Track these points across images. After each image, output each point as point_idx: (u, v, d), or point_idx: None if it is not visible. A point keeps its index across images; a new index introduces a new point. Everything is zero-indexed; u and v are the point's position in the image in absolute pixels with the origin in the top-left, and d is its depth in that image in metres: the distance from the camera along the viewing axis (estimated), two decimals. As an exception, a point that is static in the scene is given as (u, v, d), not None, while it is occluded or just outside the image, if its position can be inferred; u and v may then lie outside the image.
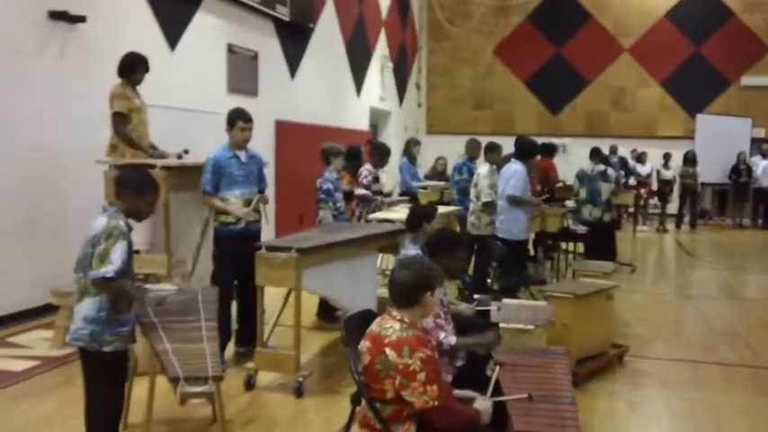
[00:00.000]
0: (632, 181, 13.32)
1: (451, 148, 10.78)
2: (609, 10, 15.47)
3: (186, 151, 5.43)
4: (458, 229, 7.38)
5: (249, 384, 4.31)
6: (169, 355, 2.94)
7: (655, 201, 14.22)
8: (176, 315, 3.23)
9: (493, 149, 7.20)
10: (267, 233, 8.03)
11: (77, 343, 2.84)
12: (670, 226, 13.83)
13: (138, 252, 5.26)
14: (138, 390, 3.54)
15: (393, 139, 14.37)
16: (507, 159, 6.82)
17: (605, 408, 4.21)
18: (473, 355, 3.39)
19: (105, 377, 2.84)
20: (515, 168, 6.30)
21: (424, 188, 8.99)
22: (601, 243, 8.07)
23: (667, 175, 13.77)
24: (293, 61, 10.40)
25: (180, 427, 3.77)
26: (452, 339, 3.22)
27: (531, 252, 8.64)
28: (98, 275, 2.71)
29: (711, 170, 14.37)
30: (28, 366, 4.59)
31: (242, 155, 4.80)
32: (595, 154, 8.71)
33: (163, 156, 5.30)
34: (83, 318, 2.81)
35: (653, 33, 15.25)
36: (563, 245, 8.66)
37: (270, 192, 9.43)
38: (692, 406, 4.29)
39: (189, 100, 7.65)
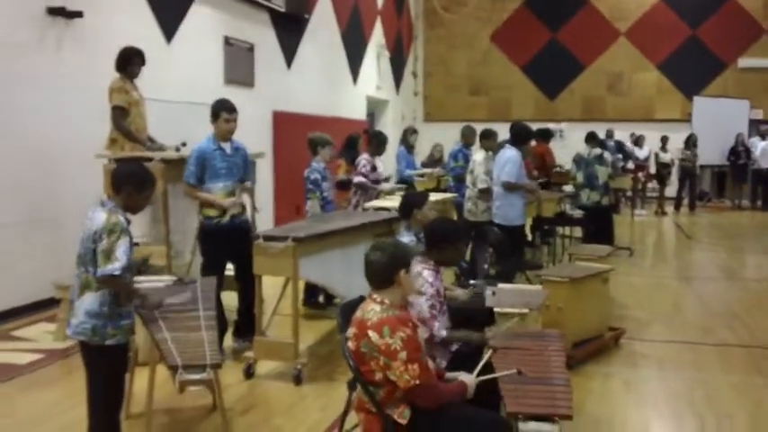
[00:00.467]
0: (630, 165, 13.34)
1: (449, 136, 10.82)
2: (605, -7, 15.42)
3: (184, 144, 5.47)
4: (455, 216, 7.42)
5: (248, 373, 4.37)
6: (168, 344, 2.99)
7: (653, 184, 14.24)
8: (175, 305, 3.28)
9: (488, 136, 7.22)
10: (266, 223, 8.13)
11: (79, 337, 2.88)
12: (669, 209, 13.87)
13: (137, 244, 5.31)
14: (139, 379, 3.60)
15: (390, 127, 14.37)
16: (502, 145, 6.85)
17: (600, 388, 4.28)
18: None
19: (107, 369, 2.88)
20: (510, 154, 6.33)
21: (422, 176, 9.02)
22: (598, 227, 8.12)
23: (665, 158, 13.79)
24: (289, 52, 10.40)
25: (180, 415, 3.83)
26: (443, 333, 3.25)
27: (529, 237, 8.68)
28: (105, 273, 2.74)
29: (710, 152, 14.38)
30: (32, 359, 4.65)
31: (227, 146, 4.72)
32: (591, 138, 8.76)
33: (161, 148, 5.34)
34: (85, 312, 2.84)
35: (649, 17, 15.22)
36: (560, 230, 8.70)
37: (267, 182, 9.56)
38: (688, 385, 4.35)
39: (186, 92, 7.68)
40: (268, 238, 4.30)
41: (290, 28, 10.29)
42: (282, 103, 10.00)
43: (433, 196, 6.91)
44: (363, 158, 6.80)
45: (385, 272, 2.60)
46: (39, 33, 5.91)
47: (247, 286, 4.69)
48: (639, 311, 6.09)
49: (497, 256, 6.56)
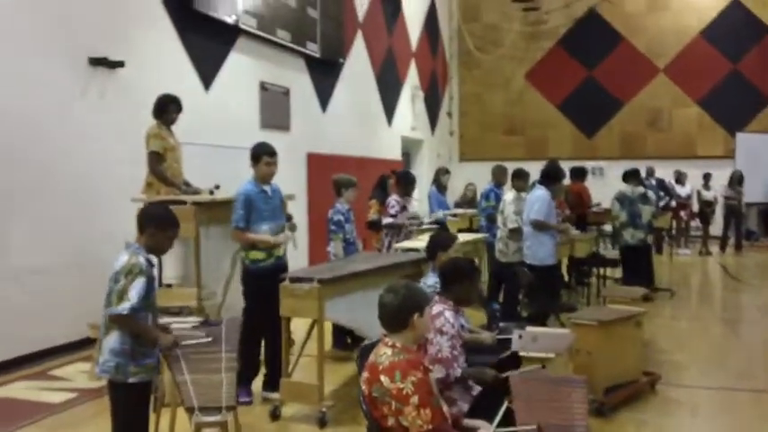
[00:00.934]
0: (672, 203, 13.05)
1: (484, 175, 10.78)
2: (641, 31, 15.35)
3: (217, 186, 5.61)
4: (485, 256, 7.37)
5: (275, 415, 4.38)
6: (187, 386, 3.04)
7: (696, 223, 13.87)
8: (198, 347, 3.33)
9: (519, 176, 7.20)
10: (300, 264, 8.20)
11: (104, 374, 2.98)
12: (714, 248, 13.45)
13: (170, 286, 5.46)
14: (164, 420, 3.65)
15: (425, 166, 14.47)
16: (534, 185, 6.83)
17: (632, 437, 4.14)
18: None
19: (129, 407, 2.97)
20: (539, 194, 6.31)
21: (454, 215, 9.02)
22: (638, 267, 7.93)
23: (708, 195, 13.44)
24: (324, 95, 10.64)
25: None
26: (458, 372, 3.23)
27: (566, 278, 8.54)
28: (114, 312, 2.87)
29: (755, 189, 13.97)
30: (66, 398, 4.78)
31: (268, 189, 4.87)
32: (631, 176, 8.59)
33: (196, 192, 5.48)
34: (109, 350, 2.94)
35: (688, 52, 15.05)
36: (599, 270, 8.52)
37: (302, 223, 9.67)
38: (723, 434, 4.18)
39: (223, 137, 7.92)
40: (294, 280, 4.35)
41: (325, 72, 10.56)
42: (317, 144, 10.20)
43: (464, 236, 6.93)
44: (393, 199, 6.87)
45: (399, 315, 2.60)
46: (82, 83, 6.22)
47: (275, 331, 4.66)
48: (678, 355, 5.89)
49: (529, 298, 6.47)
